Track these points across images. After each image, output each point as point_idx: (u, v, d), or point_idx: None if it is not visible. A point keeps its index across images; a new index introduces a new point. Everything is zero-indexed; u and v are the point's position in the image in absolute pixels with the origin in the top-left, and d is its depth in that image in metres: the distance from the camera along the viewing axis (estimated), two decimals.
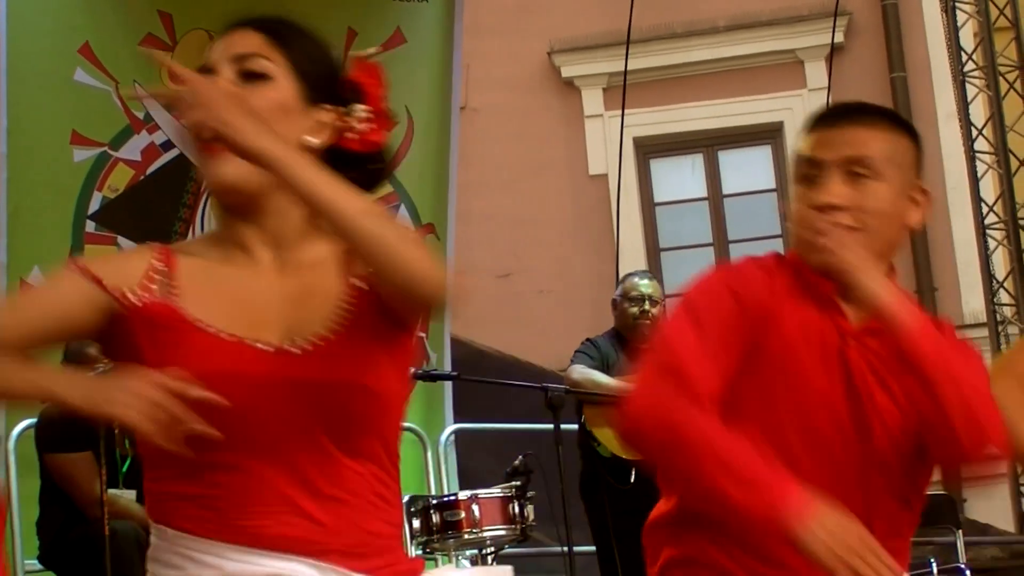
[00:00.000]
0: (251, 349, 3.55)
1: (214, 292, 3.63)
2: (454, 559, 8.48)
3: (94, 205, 11.83)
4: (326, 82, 3.74)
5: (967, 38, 16.51)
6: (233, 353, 3.53)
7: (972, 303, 17.05)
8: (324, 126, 3.69)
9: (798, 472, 4.21)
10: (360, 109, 3.72)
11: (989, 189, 16.26)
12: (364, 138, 3.73)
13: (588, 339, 10.82)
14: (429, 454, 12.05)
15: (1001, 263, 16.21)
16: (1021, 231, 15.82)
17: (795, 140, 4.62)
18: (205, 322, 3.55)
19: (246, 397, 3.50)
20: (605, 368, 10.43)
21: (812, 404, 4.39)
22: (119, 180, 11.86)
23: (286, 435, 3.58)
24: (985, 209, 16.19)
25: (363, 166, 3.75)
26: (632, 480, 10.20)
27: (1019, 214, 15.86)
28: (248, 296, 3.65)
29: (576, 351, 10.67)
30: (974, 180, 16.08)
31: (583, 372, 10.38)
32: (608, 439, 10.29)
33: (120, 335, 3.60)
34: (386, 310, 3.65)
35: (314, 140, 3.66)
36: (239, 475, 3.53)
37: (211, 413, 3.40)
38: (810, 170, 4.45)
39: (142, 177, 11.97)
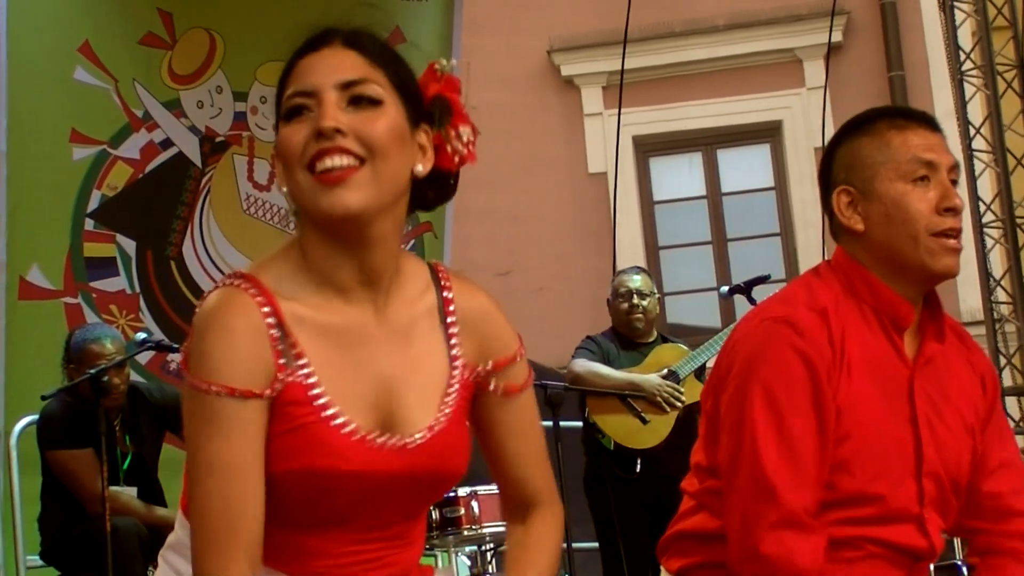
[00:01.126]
0: (375, 446, 3.53)
1: (338, 366, 3.55)
2: (453, 556, 8.49)
3: (93, 203, 11.84)
4: (420, 101, 3.68)
5: (965, 37, 16.51)
6: (359, 452, 3.50)
7: (969, 301, 17.11)
8: (425, 149, 3.64)
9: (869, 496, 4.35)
10: (464, 130, 3.71)
11: (987, 188, 16.28)
12: (464, 158, 3.70)
13: (588, 336, 10.89)
14: None
15: (998, 261, 16.22)
16: (1018, 229, 15.83)
17: (864, 143, 4.52)
18: (335, 413, 3.50)
19: (351, 492, 3.54)
20: (606, 362, 10.50)
21: (879, 444, 4.38)
22: (118, 178, 11.87)
23: (381, 516, 3.64)
24: (983, 208, 16.20)
25: (447, 182, 3.73)
26: (637, 471, 10.23)
27: (1016, 212, 15.87)
28: (365, 372, 3.59)
29: (577, 347, 10.72)
30: (972, 179, 16.07)
31: (585, 364, 10.43)
32: (612, 429, 10.37)
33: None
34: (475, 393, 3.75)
35: (423, 168, 3.62)
36: (313, 543, 3.60)
37: (336, 501, 3.53)
38: (928, 168, 4.43)
39: (141, 175, 11.97)
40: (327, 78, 3.55)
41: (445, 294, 3.74)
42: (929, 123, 4.56)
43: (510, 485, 3.85)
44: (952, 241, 4.37)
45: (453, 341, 3.69)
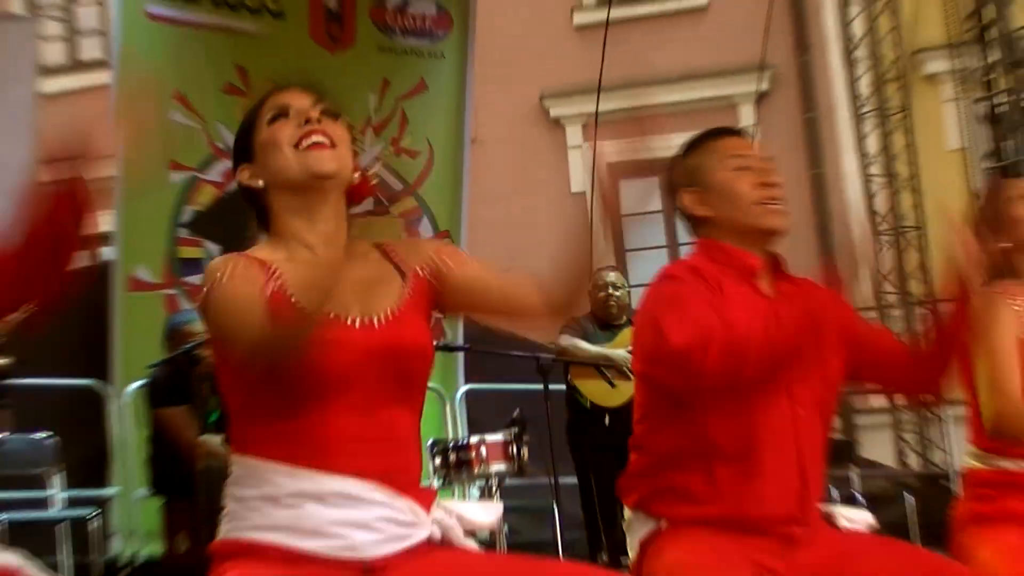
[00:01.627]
0: (343, 324, 3.64)
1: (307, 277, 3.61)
2: (466, 489, 8.53)
3: (186, 216, 11.94)
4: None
5: (864, 86, 16.57)
6: (331, 327, 3.59)
7: (864, 290, 17.08)
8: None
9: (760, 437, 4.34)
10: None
11: (881, 204, 16.32)
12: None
13: (572, 317, 10.94)
14: (447, 408, 12.17)
15: (888, 261, 16.25)
16: (900, 238, 15.88)
17: (696, 156, 4.67)
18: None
19: (340, 360, 3.60)
20: (585, 338, 10.60)
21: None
22: (205, 196, 11.96)
23: (367, 390, 3.66)
24: (878, 219, 16.25)
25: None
26: (607, 423, 10.35)
27: (902, 223, 15.94)
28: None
29: (563, 326, 10.75)
30: (868, 197, 16.15)
31: (569, 340, 10.56)
32: (589, 391, 10.55)
33: None
34: (435, 295, 3.88)
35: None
36: (320, 419, 3.62)
37: (311, 372, 3.56)
38: (742, 160, 4.55)
39: (222, 194, 11.96)
40: (302, 101, 3.83)
41: (386, 249, 3.92)
42: (736, 133, 4.76)
43: (522, 297, 4.02)
44: (773, 205, 4.47)
45: (399, 264, 3.87)
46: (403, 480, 3.70)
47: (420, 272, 3.86)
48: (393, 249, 3.93)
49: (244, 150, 3.90)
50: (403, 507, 3.67)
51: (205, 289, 3.69)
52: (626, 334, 10.61)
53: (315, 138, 3.75)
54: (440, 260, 3.91)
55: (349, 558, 3.57)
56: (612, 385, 10.41)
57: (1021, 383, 5.04)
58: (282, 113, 3.81)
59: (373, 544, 3.61)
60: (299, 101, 3.82)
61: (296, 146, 3.75)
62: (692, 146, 4.72)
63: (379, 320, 3.71)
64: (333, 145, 3.77)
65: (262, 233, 3.90)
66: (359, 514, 3.60)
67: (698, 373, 4.16)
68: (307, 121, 3.77)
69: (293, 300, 3.58)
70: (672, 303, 4.33)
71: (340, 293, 3.64)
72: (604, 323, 10.83)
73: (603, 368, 10.43)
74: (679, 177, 4.69)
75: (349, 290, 3.70)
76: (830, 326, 4.47)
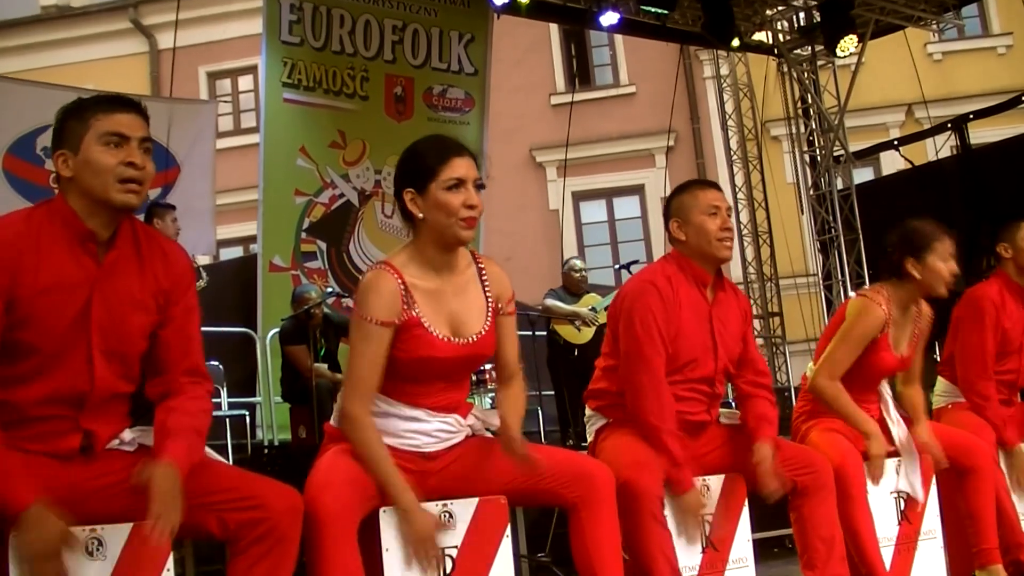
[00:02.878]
0: (452, 343, 3.61)
1: (433, 307, 3.61)
2: (482, 397, 8.48)
3: (305, 224, 11.90)
4: None
5: (734, 143, 16.50)
6: (444, 346, 3.59)
7: (735, 273, 17.02)
8: None
9: (686, 382, 4.36)
10: None
11: (746, 217, 16.26)
12: None
13: (552, 288, 11.00)
14: None
15: (749, 254, 16.23)
16: (759, 240, 15.81)
17: (685, 197, 4.50)
18: (431, 327, 3.59)
19: (447, 366, 3.62)
20: (561, 301, 10.72)
21: (696, 342, 4.40)
22: (317, 213, 11.93)
23: (451, 375, 3.68)
24: (744, 230, 16.22)
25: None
26: (575, 354, 10.38)
27: (759, 228, 15.87)
28: (449, 306, 3.65)
29: (547, 293, 10.85)
30: (737, 212, 16.08)
31: (552, 302, 10.64)
32: (564, 333, 10.58)
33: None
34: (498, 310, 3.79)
35: None
36: (415, 385, 3.63)
37: (428, 371, 3.60)
38: (716, 210, 4.42)
39: (328, 211, 12.01)
40: (471, 175, 3.60)
41: (479, 266, 3.80)
42: (715, 187, 4.57)
43: (501, 365, 3.83)
44: (728, 242, 4.41)
45: (487, 289, 3.76)
46: (454, 406, 3.73)
47: (497, 307, 3.76)
48: (486, 272, 3.81)
49: (417, 182, 3.62)
50: (451, 421, 3.70)
51: (356, 300, 3.64)
52: (586, 299, 10.72)
53: (473, 220, 3.60)
54: (504, 307, 3.80)
55: (414, 450, 3.60)
56: (579, 330, 10.51)
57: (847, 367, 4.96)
58: (458, 185, 3.57)
59: (429, 444, 3.66)
60: (470, 174, 3.61)
61: (460, 219, 3.57)
62: (683, 189, 4.58)
63: (472, 340, 3.65)
64: (478, 220, 3.64)
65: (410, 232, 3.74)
66: (422, 426, 3.64)
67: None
68: (470, 205, 3.58)
69: (425, 325, 3.57)
70: (637, 345, 4.28)
71: (451, 317, 3.64)
72: (573, 292, 10.80)
73: (573, 320, 10.46)
74: (671, 207, 4.55)
75: (457, 315, 3.66)
76: (738, 322, 4.48)
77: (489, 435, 3.85)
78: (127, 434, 3.21)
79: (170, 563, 3.04)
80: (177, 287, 3.30)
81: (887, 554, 4.83)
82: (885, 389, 5.13)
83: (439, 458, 3.68)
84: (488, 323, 3.71)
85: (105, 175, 3.10)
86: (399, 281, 3.59)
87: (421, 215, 3.62)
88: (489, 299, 3.75)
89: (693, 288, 4.45)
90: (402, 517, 3.44)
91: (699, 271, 4.46)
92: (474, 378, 8.23)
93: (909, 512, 4.93)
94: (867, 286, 5.17)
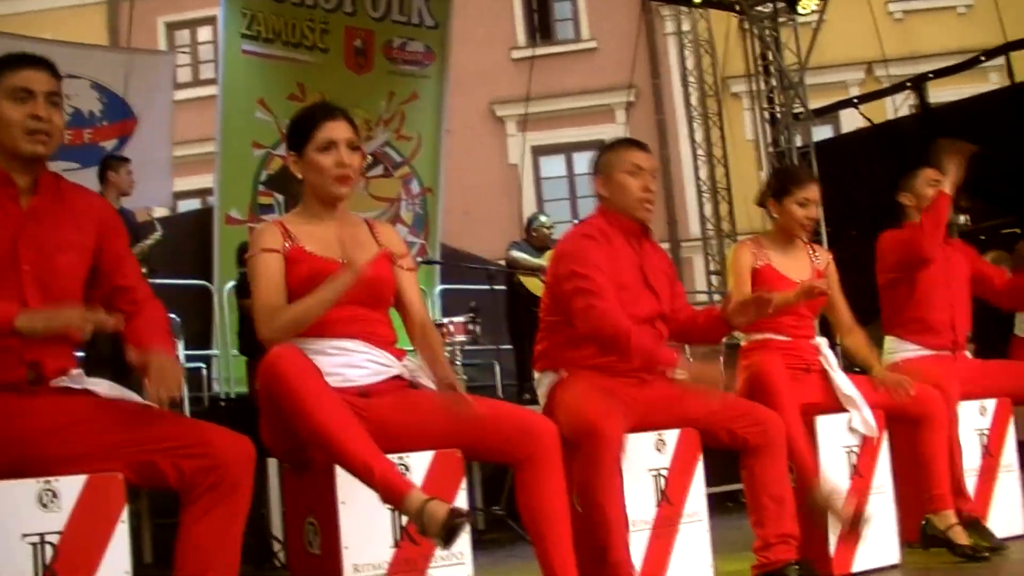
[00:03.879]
0: (335, 262, 3.71)
1: (316, 238, 3.76)
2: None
3: (262, 177, 11.92)
4: None
5: (694, 100, 16.51)
6: (334, 264, 3.68)
7: (693, 229, 17.08)
8: None
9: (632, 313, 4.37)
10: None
11: (705, 173, 16.30)
12: None
13: (515, 241, 11.04)
14: (428, 300, 12.09)
15: (708, 212, 16.29)
16: (718, 196, 15.86)
17: (611, 155, 4.57)
18: (315, 251, 3.74)
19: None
20: (527, 254, 10.68)
21: (634, 286, 4.45)
22: (275, 165, 11.88)
23: (357, 301, 3.72)
24: (703, 186, 16.26)
25: None
26: (539, 308, 10.38)
27: (719, 185, 15.92)
28: (331, 238, 3.77)
29: (513, 245, 10.91)
30: (695, 171, 16.12)
31: (519, 254, 10.63)
32: (529, 285, 10.52)
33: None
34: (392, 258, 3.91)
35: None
36: (331, 315, 3.66)
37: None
38: (638, 170, 4.49)
39: (285, 165, 11.92)
40: (342, 136, 3.80)
41: (372, 227, 3.97)
42: (642, 147, 4.62)
43: (411, 315, 3.92)
44: (648, 204, 4.51)
45: (378, 239, 3.91)
46: (380, 341, 3.77)
47: (389, 255, 3.90)
48: (377, 229, 3.98)
49: (296, 146, 3.86)
50: (379, 354, 3.75)
51: (247, 255, 3.78)
52: (549, 253, 10.62)
53: (344, 178, 3.79)
54: (403, 263, 3.95)
55: (348, 386, 3.61)
56: (544, 283, 10.45)
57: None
58: (329, 146, 3.77)
59: (362, 377, 3.68)
60: (341, 134, 3.80)
61: (333, 177, 3.77)
62: (610, 146, 4.65)
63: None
64: (353, 177, 3.82)
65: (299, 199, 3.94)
66: (350, 358, 3.69)
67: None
68: (341, 165, 3.77)
69: (307, 251, 3.73)
70: (584, 280, 4.32)
71: (333, 245, 3.76)
72: (537, 247, 10.78)
73: (539, 272, 10.45)
74: (598, 163, 4.61)
75: (337, 244, 3.77)
76: (665, 270, 4.51)
77: (431, 386, 3.86)
78: (75, 371, 3.25)
79: (125, 514, 3.04)
80: (107, 231, 3.44)
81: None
82: (823, 343, 5.17)
83: (373, 394, 3.67)
84: (378, 256, 3.83)
85: (13, 128, 3.25)
86: (280, 227, 3.79)
87: (301, 176, 3.86)
88: (380, 245, 3.90)
89: (623, 240, 4.51)
90: (347, 278, 3.61)
91: (627, 223, 4.53)
92: None
93: (861, 466, 4.98)
94: None
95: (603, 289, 4.29)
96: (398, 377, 3.79)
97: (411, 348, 3.91)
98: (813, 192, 5.17)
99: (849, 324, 5.33)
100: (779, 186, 5.23)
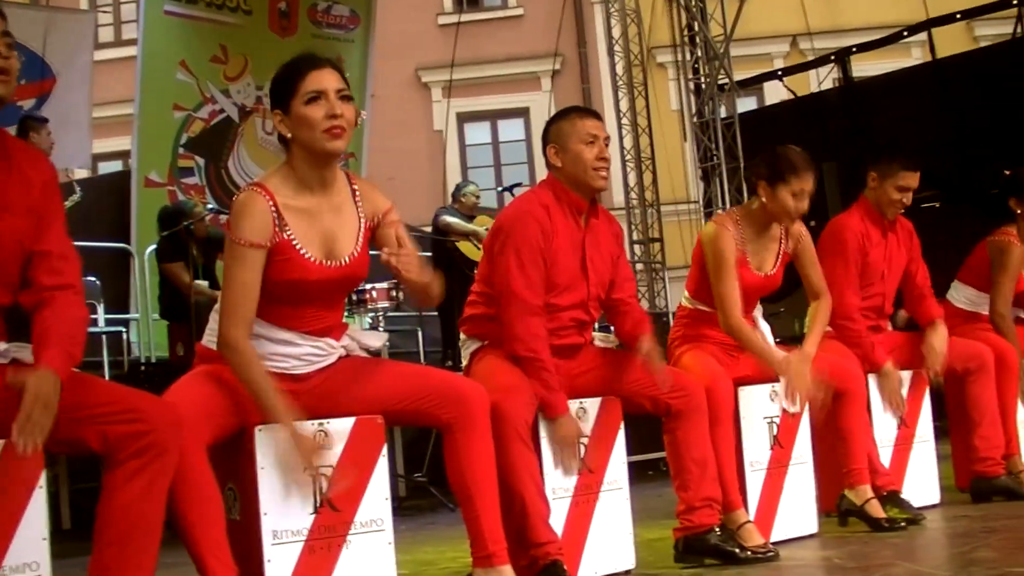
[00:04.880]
0: (325, 266, 3.59)
1: (305, 227, 3.59)
2: (362, 318, 8.45)
3: (183, 140, 11.87)
4: None
5: (620, 69, 16.53)
6: (315, 269, 3.57)
7: (617, 197, 17.18)
8: None
9: (557, 310, 4.38)
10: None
11: (630, 143, 16.34)
12: None
13: (443, 207, 11.08)
14: None
15: (632, 180, 16.34)
16: (643, 166, 15.90)
17: (564, 124, 4.50)
18: (302, 250, 3.56)
19: (311, 288, 3.60)
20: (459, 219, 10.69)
21: (569, 269, 4.41)
22: (196, 128, 11.93)
23: (323, 297, 3.66)
24: (628, 156, 16.30)
25: None
26: (472, 272, 10.41)
27: (643, 155, 15.96)
28: (321, 229, 3.62)
29: (443, 210, 10.94)
30: (620, 141, 16.16)
31: (452, 219, 10.64)
32: (466, 250, 10.56)
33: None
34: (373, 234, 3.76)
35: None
36: (290, 308, 3.62)
37: (300, 295, 3.60)
38: (593, 139, 4.45)
39: (208, 126, 11.96)
40: (330, 85, 3.57)
41: (353, 186, 3.77)
42: (595, 115, 4.58)
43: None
44: (603, 172, 4.43)
45: (360, 209, 3.73)
46: (327, 330, 3.72)
47: (371, 222, 3.73)
48: (359, 191, 3.78)
49: (281, 102, 3.63)
50: (322, 344, 3.70)
51: (228, 222, 3.59)
52: (480, 219, 10.75)
53: (337, 131, 3.56)
54: (383, 218, 3.74)
55: (282, 372, 3.59)
56: (478, 248, 10.48)
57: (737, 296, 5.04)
58: (317, 97, 3.55)
59: (298, 367, 3.67)
60: (330, 83, 3.58)
61: (323, 131, 3.55)
62: (563, 115, 4.59)
63: (341, 263, 3.62)
64: (347, 129, 3.60)
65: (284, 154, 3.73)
66: (292, 350, 3.65)
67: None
68: (333, 116, 3.55)
69: (297, 249, 3.56)
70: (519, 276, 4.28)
71: (322, 240, 3.62)
72: (468, 215, 10.75)
73: (471, 237, 10.44)
74: (549, 132, 4.56)
75: (329, 238, 3.63)
76: (611, 246, 4.51)
77: (364, 355, 3.85)
78: (2, 346, 3.14)
79: (43, 480, 3.00)
80: (46, 196, 3.22)
81: (758, 478, 4.95)
82: (758, 315, 5.20)
83: (308, 380, 3.67)
84: (360, 245, 3.68)
85: None
86: (271, 203, 3.55)
87: (290, 134, 3.62)
88: (362, 219, 3.72)
89: (568, 216, 4.46)
90: (283, 438, 3.43)
91: (574, 198, 4.47)
92: (354, 297, 8.19)
93: (781, 437, 5.03)
94: (720, 211, 5.28)
95: (523, 293, 4.27)
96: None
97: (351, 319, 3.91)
98: (809, 183, 5.04)
99: (817, 290, 5.30)
100: (774, 171, 5.06)
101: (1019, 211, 6.34)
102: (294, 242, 3.55)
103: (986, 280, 6.35)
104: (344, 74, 3.70)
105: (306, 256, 3.56)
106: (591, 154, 4.43)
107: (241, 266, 3.50)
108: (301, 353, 3.66)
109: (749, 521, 4.77)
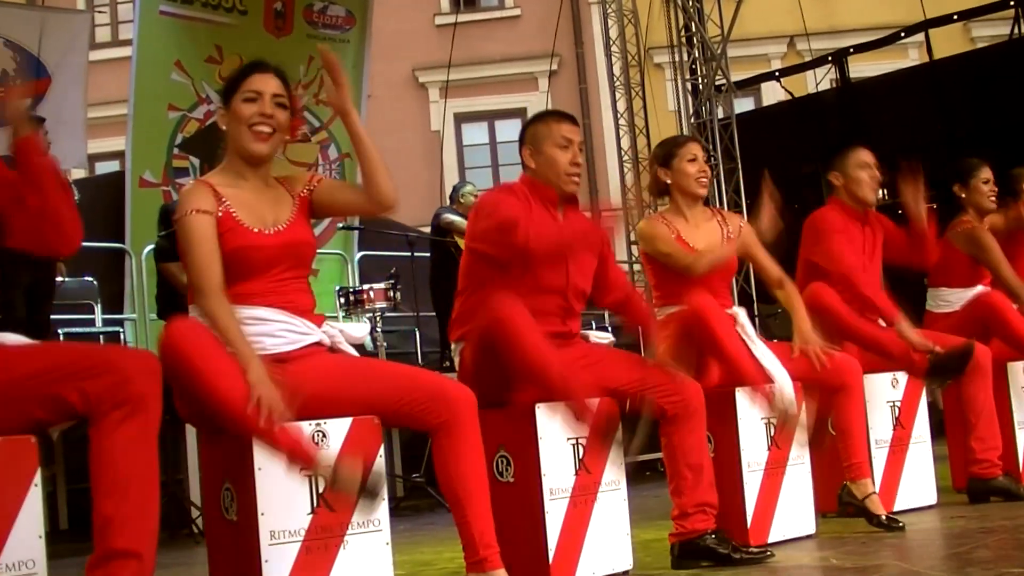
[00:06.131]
0: (263, 234, 3.72)
1: (241, 203, 3.72)
2: (360, 319, 8.46)
3: (178, 140, 11.83)
4: (292, 109, 3.88)
5: (617, 69, 16.52)
6: (256, 236, 3.69)
7: (613, 196, 17.16)
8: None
9: (538, 293, 4.39)
10: (299, 131, 4.00)
11: (627, 143, 16.35)
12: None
13: (444, 206, 11.10)
14: (348, 266, 12.04)
15: (628, 180, 16.34)
16: (640, 167, 15.91)
17: (539, 126, 4.56)
18: (241, 220, 3.68)
19: (262, 255, 3.70)
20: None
21: (545, 253, 4.41)
22: (191, 128, 11.83)
23: (278, 266, 3.74)
24: (625, 156, 16.29)
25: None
26: None
27: (640, 156, 15.95)
28: (256, 204, 3.75)
29: (444, 209, 10.94)
30: (618, 140, 16.16)
31: (455, 217, 10.59)
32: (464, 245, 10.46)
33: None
34: (311, 205, 3.90)
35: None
36: (254, 284, 3.67)
37: (248, 261, 3.67)
38: (568, 143, 4.49)
39: (202, 127, 11.92)
40: (268, 88, 3.77)
41: (282, 182, 3.92)
42: (571, 119, 4.63)
43: (356, 197, 3.95)
44: (575, 177, 4.52)
45: (289, 191, 3.88)
46: (297, 308, 3.76)
47: (302, 193, 3.87)
48: (285, 182, 3.92)
49: (225, 99, 3.82)
50: (298, 322, 3.74)
51: (177, 216, 3.68)
52: None
53: (261, 128, 3.75)
54: (312, 183, 3.92)
55: (264, 354, 3.56)
56: None
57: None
58: (253, 98, 3.75)
59: (278, 345, 3.66)
60: (268, 86, 3.78)
61: (249, 127, 3.75)
62: (539, 118, 4.67)
63: (281, 228, 3.76)
64: (273, 133, 3.76)
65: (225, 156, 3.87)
66: (266, 327, 3.67)
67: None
68: (263, 114, 3.73)
69: (236, 218, 3.68)
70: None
71: (259, 212, 3.76)
72: (465, 215, 10.70)
73: None
74: (525, 134, 4.63)
75: (264, 211, 3.78)
76: (593, 243, 4.53)
77: (350, 349, 3.86)
78: None
79: (38, 478, 3.00)
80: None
81: (755, 479, 4.95)
82: (742, 314, 5.19)
83: (292, 360, 3.66)
84: (294, 212, 3.82)
85: None
86: (209, 188, 3.73)
87: (225, 128, 3.83)
88: (294, 196, 3.87)
89: (543, 208, 4.51)
90: (251, 389, 3.37)
91: (548, 191, 4.53)
92: (352, 298, 8.20)
93: (779, 438, 5.03)
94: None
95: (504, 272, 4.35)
96: (318, 344, 3.78)
97: (331, 314, 3.92)
98: (697, 149, 5.30)
99: (778, 278, 5.35)
100: (663, 154, 5.34)
101: (963, 195, 6.50)
102: (233, 213, 3.69)
103: (957, 275, 6.42)
104: (288, 84, 3.87)
105: (245, 225, 3.69)
106: (564, 159, 4.50)
107: (194, 231, 3.60)
108: (276, 330, 3.68)
109: (875, 492, 5.22)
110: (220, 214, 3.65)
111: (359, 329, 3.98)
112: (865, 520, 5.20)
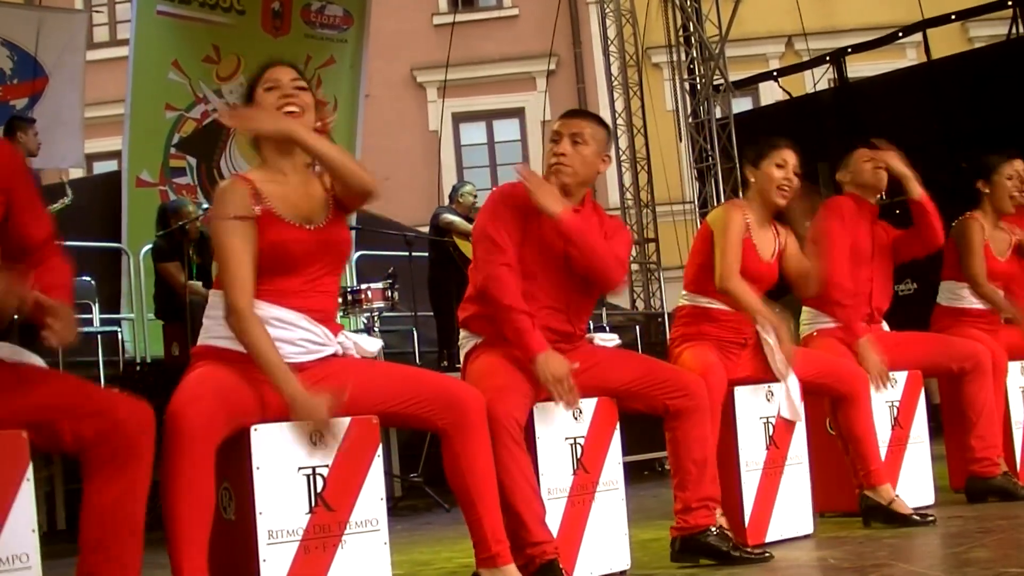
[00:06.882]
0: (302, 228, 3.70)
1: (281, 198, 3.70)
2: (358, 318, 8.46)
3: (175, 140, 11.94)
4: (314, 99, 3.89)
5: (615, 69, 16.53)
6: (296, 230, 3.68)
7: (613, 197, 17.18)
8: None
9: (542, 284, 4.37)
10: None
11: (624, 143, 16.35)
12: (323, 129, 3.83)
13: (443, 206, 11.12)
14: (346, 267, 12.07)
15: (628, 180, 16.34)
16: (637, 166, 15.91)
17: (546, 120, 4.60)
18: (282, 215, 3.67)
19: (299, 250, 3.67)
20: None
21: (552, 254, 4.38)
22: (188, 128, 11.94)
23: (315, 265, 3.72)
24: (623, 156, 16.30)
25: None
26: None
27: (638, 155, 15.95)
28: (296, 200, 3.73)
29: (443, 209, 11.02)
30: (616, 141, 16.16)
31: (454, 217, 10.69)
32: (467, 249, 10.45)
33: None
34: (341, 204, 3.84)
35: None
36: (284, 281, 3.67)
37: (289, 259, 3.66)
38: (555, 137, 4.45)
39: (200, 126, 11.95)
40: (285, 76, 3.80)
41: (323, 176, 3.87)
42: (570, 114, 4.60)
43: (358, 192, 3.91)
44: (554, 167, 4.42)
45: (323, 182, 3.84)
46: (322, 316, 3.73)
47: (334, 194, 3.85)
48: (321, 175, 3.89)
49: (248, 98, 3.86)
50: (319, 332, 3.70)
51: (211, 210, 3.73)
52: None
53: (290, 108, 3.75)
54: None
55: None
56: None
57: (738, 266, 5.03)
58: (273, 87, 3.77)
59: (296, 354, 3.62)
60: (284, 75, 3.80)
61: (278, 108, 3.75)
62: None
63: (321, 225, 3.74)
64: (302, 112, 3.76)
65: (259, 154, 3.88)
66: (287, 333, 3.63)
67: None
68: (286, 95, 3.75)
69: (276, 214, 3.66)
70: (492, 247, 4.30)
71: (299, 208, 3.73)
72: (466, 215, 10.75)
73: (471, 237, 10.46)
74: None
75: (304, 207, 3.75)
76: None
77: (358, 356, 3.85)
78: None
79: (30, 473, 3.00)
80: (10, 175, 3.28)
81: (753, 478, 4.96)
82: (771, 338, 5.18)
83: (307, 370, 3.66)
84: (331, 212, 3.80)
85: None
86: (248, 183, 3.71)
87: None
88: (327, 193, 3.84)
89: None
90: (290, 404, 3.45)
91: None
92: (350, 298, 8.20)
93: (777, 438, 5.04)
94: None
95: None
96: (333, 355, 3.78)
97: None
98: (791, 157, 5.16)
99: (805, 270, 5.32)
100: (758, 152, 5.21)
101: (987, 191, 6.41)
102: (273, 209, 3.67)
103: (959, 269, 6.39)
104: (304, 74, 3.91)
105: (286, 220, 3.68)
106: (549, 150, 4.49)
107: (230, 236, 3.59)
108: (296, 338, 3.65)
109: (897, 495, 5.22)
110: (259, 212, 3.65)
111: (373, 344, 3.96)
112: (898, 523, 5.18)
